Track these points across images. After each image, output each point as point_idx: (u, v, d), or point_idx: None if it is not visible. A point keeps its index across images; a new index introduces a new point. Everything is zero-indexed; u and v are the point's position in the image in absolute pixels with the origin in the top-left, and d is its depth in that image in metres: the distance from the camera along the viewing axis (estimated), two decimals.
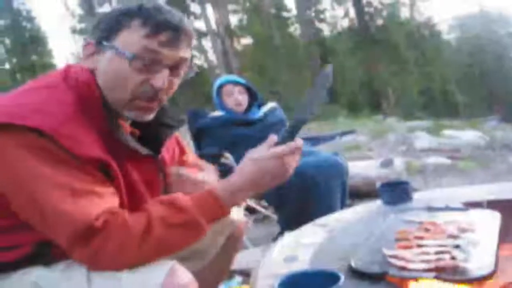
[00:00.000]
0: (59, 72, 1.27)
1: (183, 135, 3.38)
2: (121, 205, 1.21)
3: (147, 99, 1.25)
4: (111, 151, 1.20)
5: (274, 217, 3.44)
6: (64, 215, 1.08)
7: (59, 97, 1.17)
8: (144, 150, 1.29)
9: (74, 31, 27.70)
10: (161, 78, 1.22)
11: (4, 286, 1.18)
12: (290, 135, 1.26)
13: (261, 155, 1.24)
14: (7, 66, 26.94)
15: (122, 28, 1.21)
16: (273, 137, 1.27)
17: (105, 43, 1.22)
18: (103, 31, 1.24)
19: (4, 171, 1.12)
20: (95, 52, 1.25)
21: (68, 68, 1.27)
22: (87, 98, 1.20)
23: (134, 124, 1.37)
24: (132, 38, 1.20)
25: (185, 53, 1.26)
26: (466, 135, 8.12)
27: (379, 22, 26.59)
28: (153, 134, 1.38)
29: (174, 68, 1.26)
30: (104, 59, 1.23)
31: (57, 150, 1.11)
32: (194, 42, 1.31)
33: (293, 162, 1.26)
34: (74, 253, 1.11)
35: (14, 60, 26.67)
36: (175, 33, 1.22)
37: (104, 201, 1.14)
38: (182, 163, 1.57)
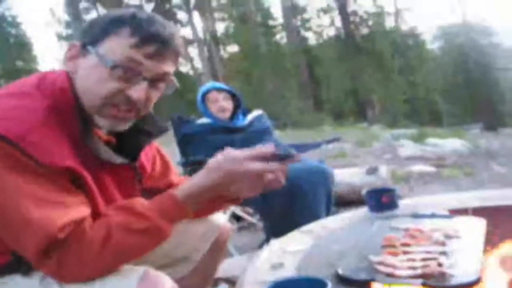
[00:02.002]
0: (32, 78, 1.23)
1: (169, 141, 3.37)
2: (98, 214, 1.18)
3: (121, 108, 1.21)
4: (84, 160, 1.17)
5: (260, 224, 3.43)
6: (30, 225, 1.05)
7: (30, 104, 1.14)
8: (117, 159, 1.26)
9: (60, 37, 27.64)
10: (138, 90, 1.19)
11: None
12: (286, 156, 1.22)
13: (237, 167, 1.19)
14: None
15: (110, 35, 1.18)
16: (268, 147, 1.22)
17: (89, 47, 1.19)
18: (91, 35, 1.20)
19: None
20: (78, 55, 1.21)
21: (43, 74, 1.24)
22: (61, 105, 1.16)
23: (112, 131, 1.33)
24: (118, 46, 1.17)
25: (169, 67, 1.23)
26: (450, 143, 8.21)
27: (365, 31, 26.91)
28: (131, 141, 1.34)
29: (154, 81, 1.22)
30: (85, 64, 1.20)
31: (24, 158, 1.06)
32: (180, 58, 1.28)
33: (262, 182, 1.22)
34: (41, 266, 1.09)
35: None
36: (162, 46, 1.19)
37: (70, 211, 1.10)
38: (168, 184, 1.55)
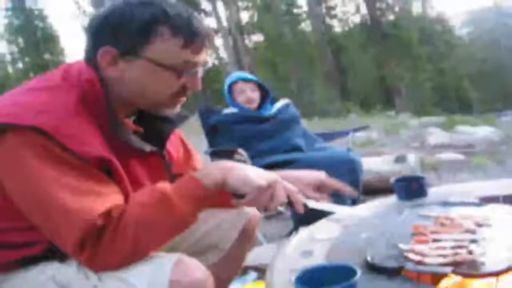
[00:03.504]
0: (58, 71, 1.26)
1: (197, 132, 3.41)
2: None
3: (182, 98, 1.32)
4: (115, 149, 1.20)
5: (288, 213, 3.44)
6: (68, 216, 1.07)
7: (59, 96, 1.16)
8: (147, 147, 1.29)
9: (86, 29, 27.93)
10: (198, 82, 1.31)
11: (25, 280, 1.19)
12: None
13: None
14: (20, 65, 27.23)
15: (150, 37, 1.20)
16: None
17: (134, 54, 1.21)
18: (128, 39, 1.20)
19: (6, 173, 1.12)
20: (117, 60, 1.22)
21: (67, 67, 1.27)
22: (89, 96, 1.19)
23: (138, 120, 1.38)
24: (167, 48, 1.21)
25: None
26: (480, 131, 8.06)
27: (391, 17, 26.48)
28: (156, 130, 1.38)
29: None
30: (135, 68, 1.22)
31: (59, 149, 1.09)
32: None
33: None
34: (78, 256, 1.10)
35: (27, 59, 26.93)
36: (203, 39, 1.25)
37: (106, 200, 1.12)
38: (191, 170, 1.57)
